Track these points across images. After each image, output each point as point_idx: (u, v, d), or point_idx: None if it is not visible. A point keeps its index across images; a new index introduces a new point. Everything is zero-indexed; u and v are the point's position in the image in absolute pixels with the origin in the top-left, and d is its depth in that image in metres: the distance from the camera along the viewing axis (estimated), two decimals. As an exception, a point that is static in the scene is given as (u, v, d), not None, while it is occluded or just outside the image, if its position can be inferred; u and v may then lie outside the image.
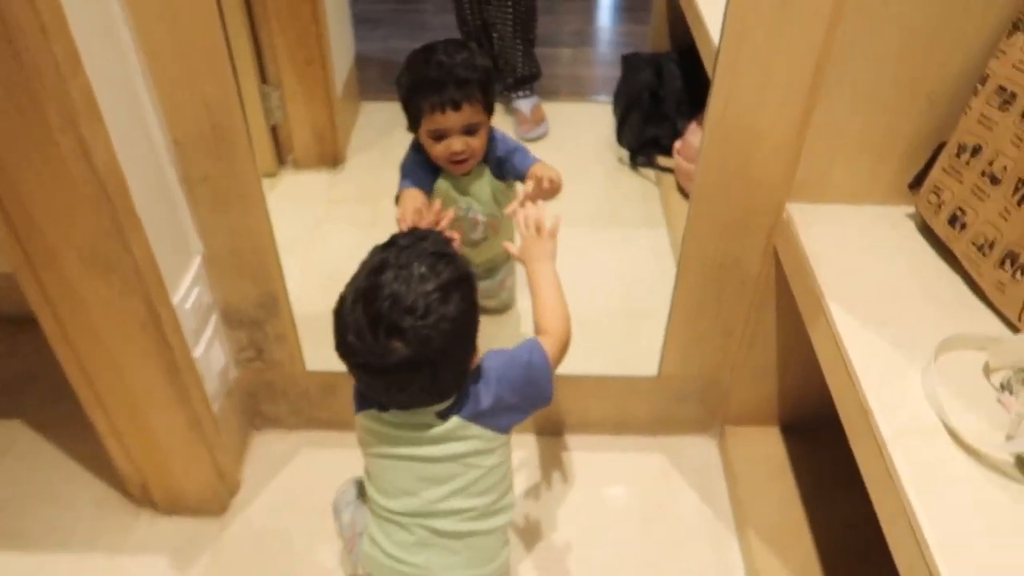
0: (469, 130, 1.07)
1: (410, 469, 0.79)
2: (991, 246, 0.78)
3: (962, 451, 0.65)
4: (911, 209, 0.93)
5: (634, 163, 1.82)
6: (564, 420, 1.26)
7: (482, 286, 1.24)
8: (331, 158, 1.80)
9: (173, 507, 1.13)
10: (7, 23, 0.66)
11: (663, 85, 1.81)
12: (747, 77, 0.86)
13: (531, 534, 1.12)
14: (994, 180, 0.78)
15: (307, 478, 1.20)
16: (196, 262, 1.03)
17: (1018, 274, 0.74)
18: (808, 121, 0.88)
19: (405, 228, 0.94)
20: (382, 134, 1.94)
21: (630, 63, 1.90)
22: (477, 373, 0.80)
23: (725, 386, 1.20)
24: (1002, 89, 0.79)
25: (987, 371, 0.73)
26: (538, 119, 1.94)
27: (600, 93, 2.12)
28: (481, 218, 1.19)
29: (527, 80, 1.96)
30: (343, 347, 0.73)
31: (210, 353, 1.07)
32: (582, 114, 2.06)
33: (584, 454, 1.24)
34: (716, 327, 1.12)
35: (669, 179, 1.73)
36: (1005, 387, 0.70)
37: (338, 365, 1.20)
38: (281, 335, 1.14)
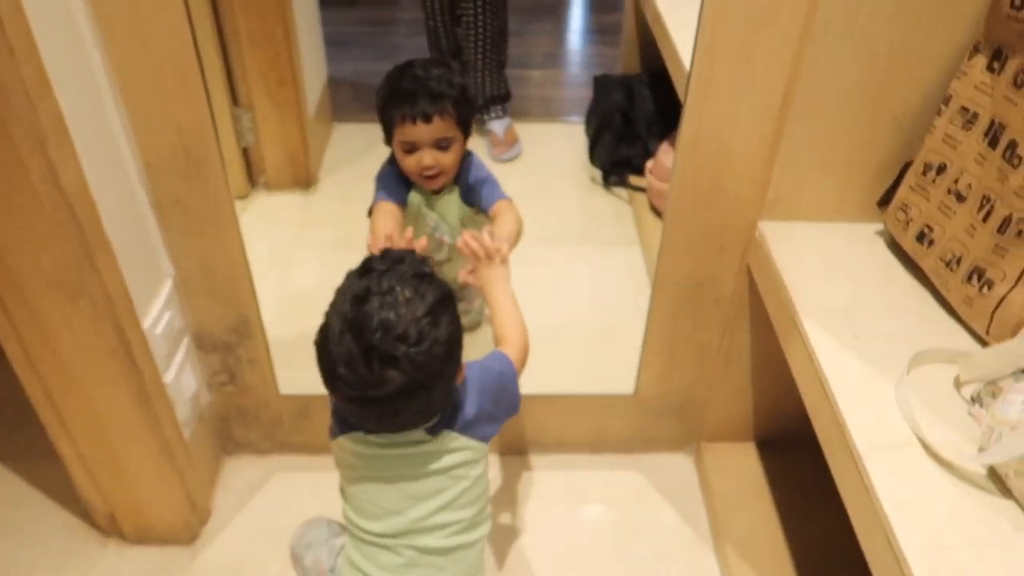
0: (440, 145, 1.08)
1: (398, 488, 0.78)
2: (958, 262, 0.79)
3: (936, 464, 0.66)
4: (880, 226, 0.95)
5: (607, 183, 1.84)
6: (541, 439, 1.25)
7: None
8: (303, 180, 1.79)
9: (142, 536, 1.10)
10: (-26, 44, 0.65)
11: (634, 106, 1.84)
12: (718, 99, 0.87)
13: (509, 554, 1.11)
14: (960, 197, 0.80)
15: (280, 504, 1.18)
16: (167, 286, 1.01)
17: (985, 288, 0.76)
18: (778, 141, 0.90)
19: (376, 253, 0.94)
20: (355, 155, 1.94)
21: (601, 84, 1.92)
22: (460, 385, 0.80)
23: (701, 403, 1.20)
24: (964, 109, 0.81)
25: (958, 384, 0.74)
26: (511, 140, 1.95)
27: (571, 114, 2.14)
28: (447, 239, 1.19)
29: (497, 101, 1.98)
30: (333, 380, 0.71)
31: (181, 378, 1.05)
32: (554, 134, 2.08)
33: (561, 473, 1.24)
34: (692, 345, 1.13)
35: (642, 198, 1.74)
36: (976, 400, 0.71)
37: (312, 388, 1.19)
38: (254, 359, 1.12)
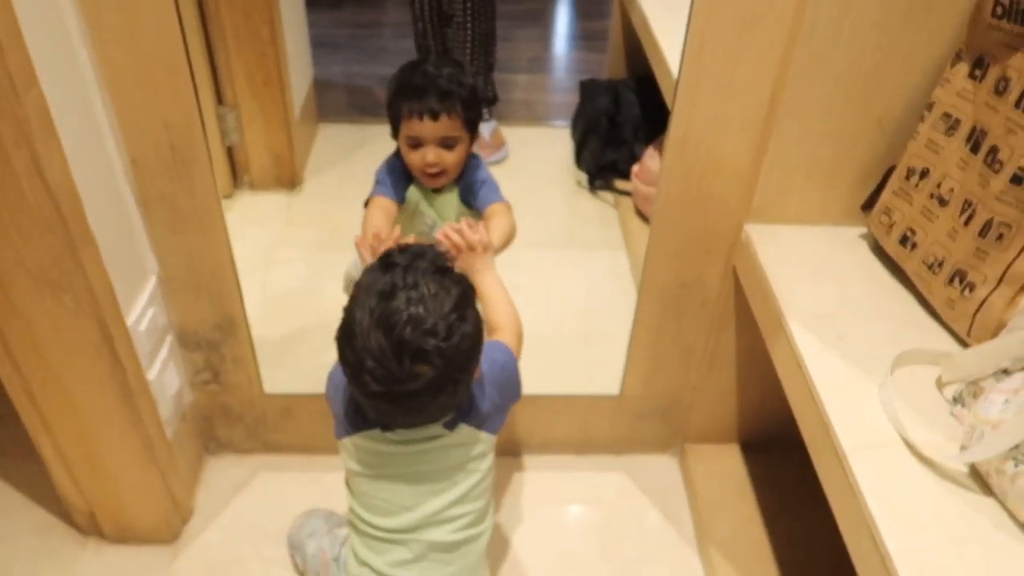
0: (446, 143, 1.08)
1: (415, 484, 0.79)
2: (940, 265, 0.81)
3: (919, 462, 0.67)
4: (864, 230, 0.96)
5: (593, 187, 1.85)
6: (526, 440, 1.25)
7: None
8: (288, 180, 1.78)
9: (122, 536, 1.09)
10: (-40, 34, 0.65)
11: (620, 111, 1.85)
12: (706, 104, 0.88)
13: (494, 555, 1.11)
14: (942, 202, 0.81)
15: (263, 503, 1.17)
16: (151, 283, 1.00)
17: (967, 291, 0.77)
18: (765, 146, 0.91)
19: (366, 253, 0.94)
20: (340, 157, 1.94)
21: (588, 89, 1.93)
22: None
23: (686, 405, 1.21)
24: (947, 116, 0.82)
25: (940, 385, 0.75)
26: (498, 143, 1.95)
27: (557, 118, 2.15)
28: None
29: (485, 104, 1.98)
30: (360, 375, 0.70)
31: (164, 376, 1.04)
32: (540, 138, 2.09)
33: (546, 474, 1.24)
34: (677, 346, 1.13)
35: (627, 202, 1.75)
36: (957, 400, 0.72)
37: (296, 388, 1.19)
38: (239, 357, 1.11)
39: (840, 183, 0.94)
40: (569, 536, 1.16)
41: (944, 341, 0.80)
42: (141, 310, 0.97)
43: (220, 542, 1.11)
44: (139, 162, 0.91)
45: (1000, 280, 0.74)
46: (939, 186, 0.82)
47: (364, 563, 0.80)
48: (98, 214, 0.85)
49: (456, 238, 0.91)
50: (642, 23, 1.48)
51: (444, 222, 1.18)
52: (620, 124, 1.84)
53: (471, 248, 0.92)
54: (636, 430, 1.25)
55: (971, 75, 0.79)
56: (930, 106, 0.84)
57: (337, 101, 2.14)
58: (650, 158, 1.64)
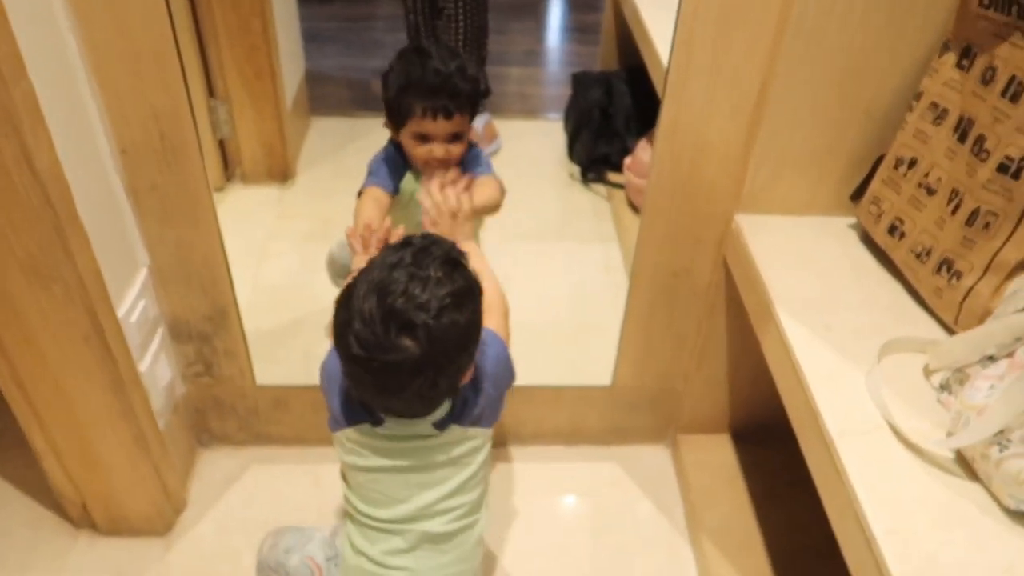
0: (453, 138, 1.08)
1: (405, 478, 0.79)
2: (928, 253, 0.81)
3: (905, 448, 0.67)
4: (853, 220, 0.97)
5: (585, 179, 1.85)
6: (518, 431, 1.26)
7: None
8: (280, 173, 1.78)
9: (115, 528, 1.09)
10: (-53, 23, 0.64)
11: (613, 103, 1.85)
12: (696, 92, 0.88)
13: (486, 546, 1.12)
14: (930, 191, 0.82)
15: (256, 495, 1.17)
16: (142, 274, 1.00)
17: (954, 280, 0.77)
18: (754, 136, 0.91)
19: (356, 243, 0.94)
20: (333, 150, 1.93)
21: (580, 81, 1.93)
22: (469, 381, 0.79)
23: (678, 395, 1.21)
24: (935, 105, 0.82)
25: (927, 372, 0.76)
26: (491, 136, 1.95)
27: (550, 111, 2.15)
28: None
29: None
30: (346, 335, 0.70)
31: (156, 367, 1.04)
32: (533, 131, 2.09)
33: (538, 465, 1.24)
34: (668, 337, 1.14)
35: (620, 195, 1.75)
36: (944, 387, 0.72)
37: (289, 379, 1.19)
38: (231, 349, 1.11)
39: (829, 173, 0.94)
40: (561, 526, 1.16)
41: (932, 329, 0.81)
42: (132, 301, 0.97)
43: (213, 534, 1.12)
44: (128, 152, 0.91)
45: (987, 268, 0.74)
46: (927, 175, 0.83)
47: (360, 552, 0.81)
48: (88, 205, 0.85)
49: (438, 197, 0.91)
50: (633, 15, 1.49)
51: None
52: (612, 116, 1.84)
53: (452, 214, 0.91)
54: (628, 420, 1.25)
55: (958, 65, 0.80)
56: (918, 96, 0.85)
57: (329, 94, 2.13)
58: (642, 150, 1.64)
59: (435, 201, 0.91)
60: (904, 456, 0.67)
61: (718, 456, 1.22)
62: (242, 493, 1.17)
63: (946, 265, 0.79)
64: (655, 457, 1.27)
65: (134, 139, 0.90)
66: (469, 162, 1.15)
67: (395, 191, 1.13)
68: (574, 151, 1.90)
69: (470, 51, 1.93)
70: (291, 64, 1.84)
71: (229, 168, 1.76)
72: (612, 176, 1.82)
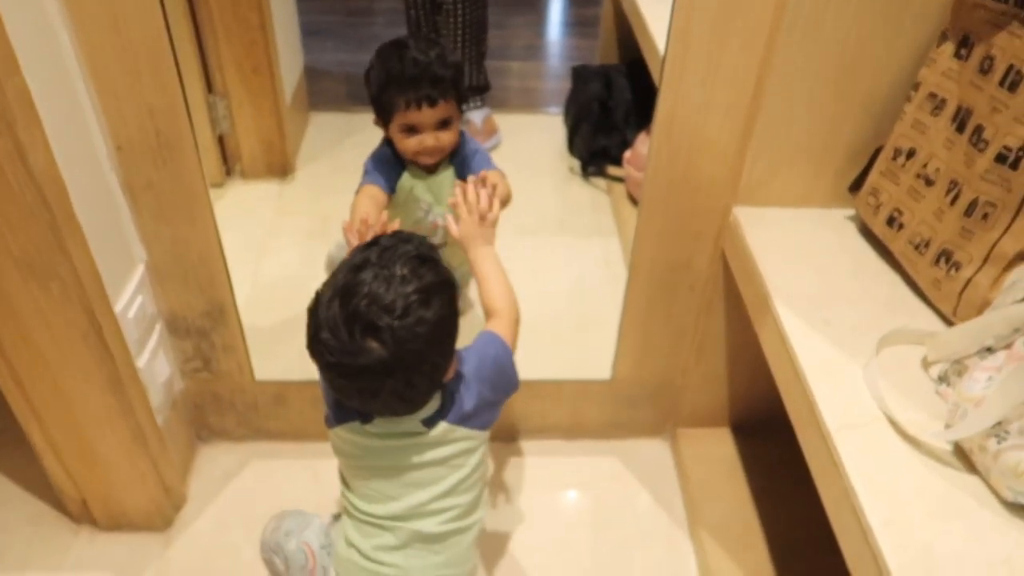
0: (441, 126, 1.08)
1: (397, 477, 0.78)
2: (927, 245, 0.81)
3: (903, 440, 0.67)
4: (851, 212, 0.97)
5: (585, 173, 1.84)
6: (518, 425, 1.26)
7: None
8: (280, 168, 1.78)
9: (115, 523, 1.09)
10: (-62, 19, 0.64)
11: (612, 96, 1.84)
12: (692, 84, 0.88)
13: (485, 540, 1.12)
14: (928, 182, 0.81)
15: (256, 490, 1.17)
16: (139, 270, 1.00)
17: (952, 271, 0.77)
18: (751, 128, 0.90)
19: (352, 238, 0.94)
20: (332, 145, 1.93)
21: (580, 75, 1.92)
22: (456, 377, 0.79)
23: (677, 388, 1.21)
24: (933, 95, 0.82)
25: (925, 364, 0.75)
26: (490, 130, 1.95)
27: (550, 105, 2.14)
28: (441, 222, 1.19)
29: (477, 91, 1.97)
30: (315, 344, 0.70)
31: (154, 363, 1.04)
32: (533, 125, 2.08)
33: (537, 459, 1.24)
34: (667, 330, 1.13)
35: (620, 188, 1.75)
36: (942, 379, 0.72)
37: (288, 374, 1.19)
38: (229, 345, 1.11)
39: (827, 165, 0.94)
40: (561, 520, 1.16)
41: (930, 321, 0.81)
42: (129, 298, 0.97)
43: (213, 529, 1.12)
44: (124, 149, 0.90)
45: (985, 259, 0.74)
46: (925, 166, 0.82)
47: (351, 545, 0.81)
48: (84, 201, 0.85)
49: (472, 197, 0.90)
50: (632, 8, 1.48)
51: (440, 205, 1.18)
52: (612, 110, 1.83)
53: (481, 217, 0.90)
54: (627, 414, 1.25)
55: (956, 55, 0.79)
56: (916, 86, 0.84)
57: (328, 89, 2.13)
58: (642, 144, 1.64)
59: (469, 198, 0.90)
60: (901, 448, 0.67)
61: (717, 450, 1.22)
62: (241, 489, 1.18)
63: (945, 256, 0.78)
64: (654, 451, 1.27)
65: (130, 136, 0.90)
66: (471, 157, 1.15)
67: (391, 190, 1.13)
68: (574, 145, 1.89)
69: (470, 45, 1.92)
70: (290, 59, 1.84)
71: (228, 164, 1.75)
72: (612, 170, 1.81)
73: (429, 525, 0.79)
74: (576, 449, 1.26)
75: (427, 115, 1.05)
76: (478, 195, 0.91)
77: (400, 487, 0.79)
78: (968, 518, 0.61)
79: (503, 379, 0.84)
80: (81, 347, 0.88)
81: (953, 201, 0.78)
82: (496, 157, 1.93)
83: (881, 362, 0.74)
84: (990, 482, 0.63)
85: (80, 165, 0.86)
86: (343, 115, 2.05)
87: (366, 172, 1.13)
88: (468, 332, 0.81)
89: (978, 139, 0.75)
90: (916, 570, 0.57)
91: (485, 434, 0.83)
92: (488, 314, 0.87)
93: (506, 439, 1.26)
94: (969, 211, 0.75)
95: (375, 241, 0.74)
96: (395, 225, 0.95)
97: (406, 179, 1.14)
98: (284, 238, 1.62)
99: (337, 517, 0.87)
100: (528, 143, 2.00)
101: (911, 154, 0.84)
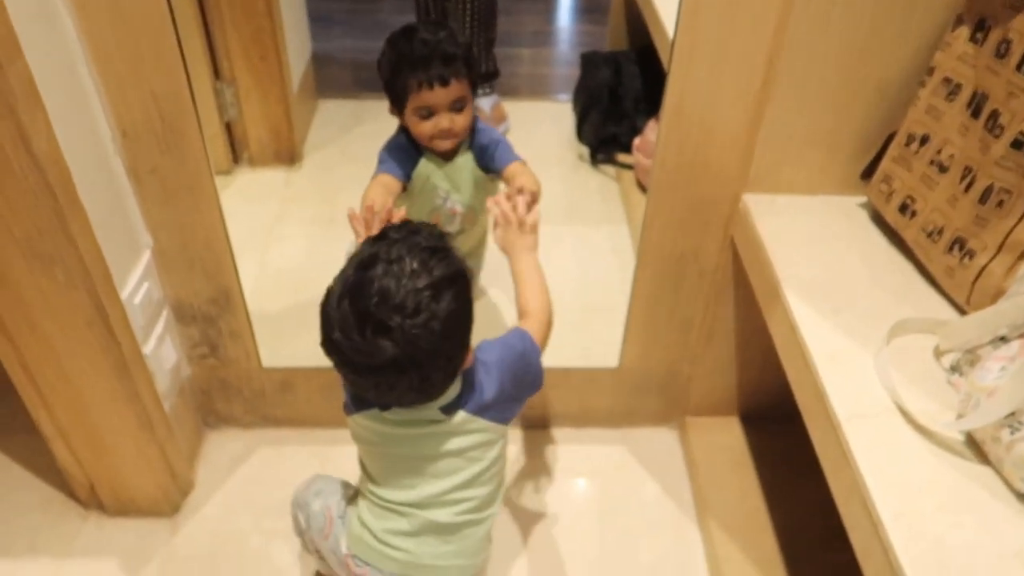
0: (456, 107, 1.07)
1: (414, 466, 0.78)
2: (940, 232, 0.79)
3: (914, 431, 0.66)
4: (863, 199, 0.95)
5: (594, 160, 1.83)
6: (526, 413, 1.25)
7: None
8: (287, 156, 1.77)
9: (123, 509, 1.09)
10: (-61, 3, 0.64)
11: (622, 83, 1.83)
12: (701, 70, 0.86)
13: (492, 528, 1.11)
14: (942, 168, 0.80)
15: (263, 477, 1.18)
16: (145, 256, 1.00)
17: (966, 259, 0.76)
18: (762, 114, 0.89)
19: (358, 227, 0.93)
20: (340, 132, 1.92)
21: (589, 61, 1.90)
22: (475, 366, 0.78)
23: (685, 377, 1.20)
24: (947, 80, 0.80)
25: (937, 354, 0.74)
26: (499, 117, 1.93)
27: (560, 92, 2.12)
28: (459, 209, 1.18)
29: (486, 78, 1.96)
30: (328, 344, 0.70)
31: (161, 350, 1.04)
32: (542, 113, 2.06)
33: (546, 447, 1.24)
34: (675, 318, 1.12)
35: (629, 176, 1.74)
36: (955, 369, 0.71)
37: (295, 361, 1.19)
38: (236, 331, 1.11)
39: (839, 151, 0.92)
40: (569, 509, 1.16)
41: (943, 310, 0.79)
42: (135, 284, 0.97)
43: (220, 515, 1.12)
44: (129, 134, 0.90)
45: (1000, 247, 0.73)
46: (939, 152, 0.81)
47: (364, 525, 0.81)
48: (88, 186, 0.84)
49: (507, 208, 0.89)
50: (642, -8, 1.46)
51: (458, 192, 1.17)
52: (622, 97, 1.81)
53: (520, 224, 0.89)
54: (635, 403, 1.25)
55: (972, 38, 0.78)
56: (930, 71, 0.83)
57: (336, 77, 2.12)
58: (652, 131, 1.62)
59: (503, 210, 0.89)
60: (912, 439, 0.66)
61: (726, 438, 1.21)
62: (249, 475, 1.18)
63: (958, 244, 0.77)
64: (663, 439, 1.26)
65: (134, 121, 0.89)
66: (494, 147, 1.14)
67: (406, 178, 1.12)
68: (583, 132, 1.88)
69: (478, 32, 1.91)
70: (297, 46, 1.83)
71: (236, 151, 1.75)
72: (621, 157, 1.80)
73: (444, 515, 0.79)
74: (584, 437, 1.26)
75: (440, 95, 1.05)
76: (515, 204, 0.90)
77: (417, 476, 0.78)
78: (980, 510, 0.60)
79: (527, 375, 0.83)
80: (87, 333, 0.88)
81: (967, 188, 0.76)
82: (504, 144, 1.93)
83: (892, 351, 0.73)
84: (1003, 473, 0.62)
85: (84, 150, 0.85)
86: (351, 102, 2.04)
87: (380, 161, 1.13)
88: (479, 321, 0.80)
89: (994, 125, 0.73)
90: (927, 563, 0.56)
91: (504, 428, 0.81)
92: (521, 315, 0.86)
93: (513, 427, 1.26)
94: (984, 198, 0.74)
95: (384, 234, 0.72)
96: (401, 213, 0.95)
97: (423, 167, 1.14)
98: (291, 226, 1.62)
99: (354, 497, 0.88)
100: (537, 130, 1.98)
101: (925, 140, 0.83)
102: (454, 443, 0.78)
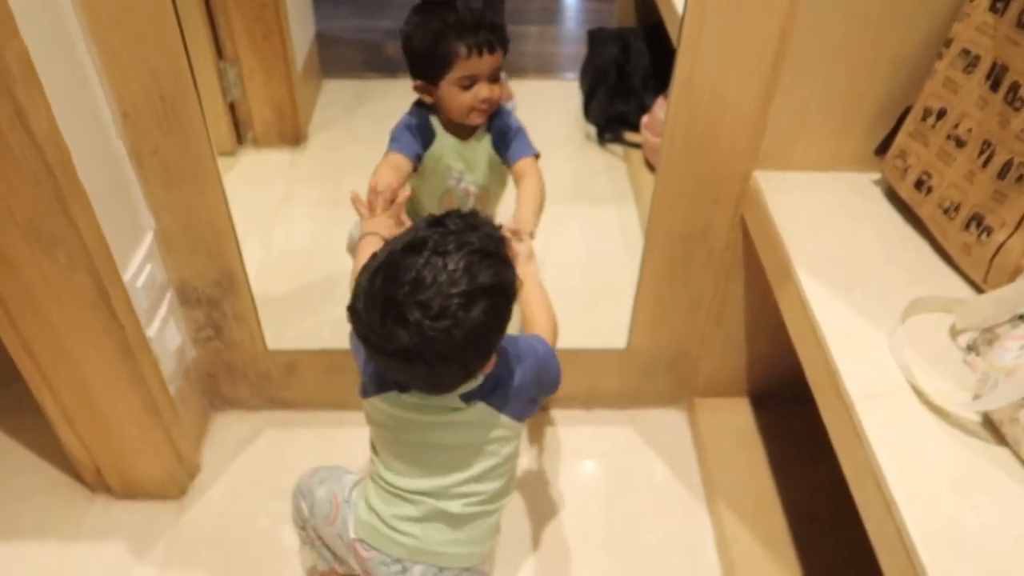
0: (493, 77, 1.06)
1: (426, 455, 0.77)
2: (957, 209, 0.77)
3: (929, 411, 0.65)
4: (877, 175, 0.93)
5: (601, 139, 1.81)
6: (533, 396, 1.24)
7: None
8: (292, 136, 1.76)
9: (129, 491, 1.09)
10: (-69, -22, 0.62)
11: (630, 60, 1.80)
12: (712, 44, 0.84)
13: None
14: (959, 143, 0.78)
15: (269, 459, 1.17)
16: (148, 238, 0.99)
17: (983, 236, 0.74)
18: (773, 89, 0.87)
19: (362, 210, 0.92)
20: (345, 112, 1.90)
21: (596, 38, 1.88)
22: (501, 360, 0.76)
23: (694, 358, 1.19)
24: (966, 52, 0.78)
25: (953, 333, 0.73)
26: (505, 96, 1.90)
27: (567, 70, 2.10)
28: (473, 189, 1.16)
29: None
30: (352, 311, 0.68)
31: (165, 332, 1.03)
32: (549, 91, 2.04)
33: (554, 429, 1.23)
34: (684, 298, 1.11)
35: (637, 155, 1.72)
36: (971, 348, 0.69)
37: (301, 344, 1.19)
38: (240, 314, 1.10)
39: (853, 126, 0.90)
40: (577, 491, 1.15)
41: (959, 288, 0.78)
42: (138, 266, 0.96)
43: (227, 498, 1.12)
44: (130, 115, 0.89)
45: (1019, 224, 0.71)
46: (957, 127, 0.79)
47: (373, 510, 0.80)
48: (89, 168, 0.83)
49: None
50: (650, -34, 1.43)
51: (472, 173, 1.15)
52: (629, 74, 1.79)
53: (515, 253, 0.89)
54: (644, 383, 1.23)
55: (992, 8, 0.75)
56: (948, 42, 0.80)
57: (341, 56, 2.10)
58: (660, 108, 1.60)
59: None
60: (927, 419, 0.65)
61: (736, 419, 1.20)
62: (256, 457, 1.18)
63: (976, 220, 0.75)
64: (672, 421, 1.25)
65: (135, 101, 0.88)
66: (512, 136, 1.13)
67: (418, 159, 1.10)
68: (590, 110, 1.85)
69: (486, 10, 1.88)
70: (301, 25, 1.81)
71: (240, 132, 1.74)
72: (629, 135, 1.78)
73: (454, 506, 0.78)
74: (593, 419, 1.25)
75: (487, 63, 1.03)
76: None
77: (430, 466, 0.77)
78: (996, 491, 0.59)
79: (547, 376, 0.82)
80: (89, 315, 0.87)
81: (986, 163, 0.74)
82: (511, 124, 1.90)
83: (907, 330, 0.72)
84: (1021, 454, 0.61)
85: (85, 130, 0.84)
86: (356, 82, 2.02)
87: (393, 140, 1.11)
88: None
89: (1013, 97, 0.71)
90: (942, 545, 0.55)
91: (520, 427, 0.80)
92: (528, 325, 0.86)
93: (520, 409, 1.25)
94: (1002, 173, 0.72)
95: (443, 220, 0.68)
96: (407, 193, 0.94)
97: (436, 147, 1.12)
98: (297, 207, 1.61)
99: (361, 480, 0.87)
100: (544, 110, 1.96)
101: (942, 114, 0.81)
102: (470, 435, 0.76)
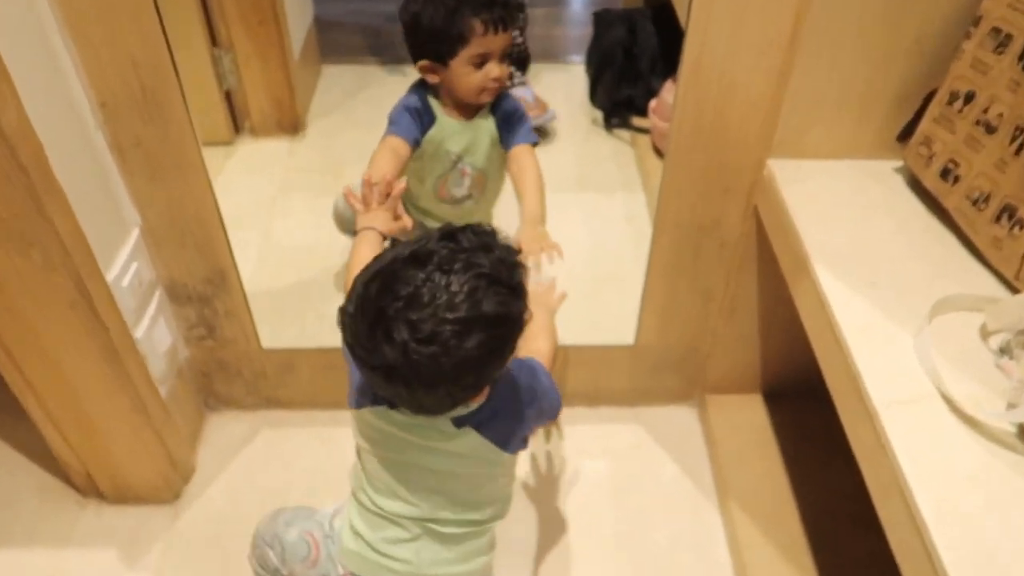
0: (503, 56, 1.03)
1: (414, 477, 0.72)
2: (986, 200, 0.73)
3: (959, 420, 0.61)
4: (899, 163, 0.88)
5: (608, 124, 1.76)
6: (537, 393, 1.20)
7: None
8: (290, 124, 1.72)
9: (121, 496, 1.06)
10: None
11: (637, 43, 1.75)
12: (722, 23, 0.80)
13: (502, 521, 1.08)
14: (989, 129, 0.73)
15: (266, 460, 1.14)
16: (134, 235, 0.95)
17: (1016, 229, 0.69)
18: (789, 72, 0.82)
19: (356, 204, 0.88)
20: (344, 98, 1.86)
21: (602, 20, 1.82)
22: (499, 392, 0.71)
23: (705, 353, 1.15)
24: (997, 31, 0.73)
25: (984, 334, 0.68)
26: (543, 106, 1.82)
27: (573, 54, 2.05)
28: (469, 170, 1.13)
29: (519, 64, 1.84)
30: (342, 312, 0.64)
31: (154, 332, 1.00)
32: (555, 76, 1.99)
33: (558, 427, 1.20)
34: (694, 292, 1.07)
35: (644, 140, 1.67)
36: (1004, 351, 0.65)
37: (295, 342, 1.15)
38: (232, 312, 1.07)
39: (873, 112, 0.85)
40: (585, 489, 1.12)
41: (988, 284, 0.73)
42: (123, 264, 0.92)
43: (223, 500, 1.09)
44: (108, 105, 0.85)
45: (1054, 215, 0.66)
46: (986, 111, 0.74)
47: (358, 535, 0.76)
48: (67, 162, 0.79)
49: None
50: (658, -57, 1.38)
51: (471, 155, 1.11)
52: (636, 57, 1.73)
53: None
54: (653, 380, 1.19)
55: (1027, -19, 0.70)
56: (977, 20, 0.75)
57: (340, 41, 2.05)
58: (668, 92, 1.55)
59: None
60: (957, 428, 0.60)
61: (748, 417, 1.17)
62: (252, 458, 1.14)
63: (1007, 212, 0.70)
64: (682, 418, 1.21)
65: (114, 92, 0.84)
66: (516, 123, 1.10)
67: (416, 143, 1.06)
68: (596, 95, 1.80)
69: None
70: (298, 10, 1.76)
71: (237, 121, 1.70)
72: (636, 120, 1.73)
73: (445, 528, 0.74)
74: (599, 417, 1.21)
75: (501, 40, 1.01)
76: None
77: (417, 490, 0.73)
78: (1034, 509, 0.55)
79: (548, 411, 0.79)
80: (70, 316, 0.84)
81: (1018, 150, 0.70)
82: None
83: (934, 331, 0.67)
84: (1059, 468, 0.56)
85: (60, 123, 0.80)
86: (356, 67, 1.97)
87: (391, 122, 1.07)
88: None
89: (1050, 78, 0.66)
90: (975, 564, 0.51)
91: (513, 459, 0.76)
92: (527, 338, 0.80)
93: (525, 406, 1.21)
94: (1037, 161, 0.67)
95: (457, 235, 0.62)
96: (402, 185, 0.89)
97: (436, 131, 1.08)
98: (296, 197, 1.57)
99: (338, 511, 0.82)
100: (550, 95, 1.90)
101: (970, 98, 0.76)
102: (461, 465, 0.72)
